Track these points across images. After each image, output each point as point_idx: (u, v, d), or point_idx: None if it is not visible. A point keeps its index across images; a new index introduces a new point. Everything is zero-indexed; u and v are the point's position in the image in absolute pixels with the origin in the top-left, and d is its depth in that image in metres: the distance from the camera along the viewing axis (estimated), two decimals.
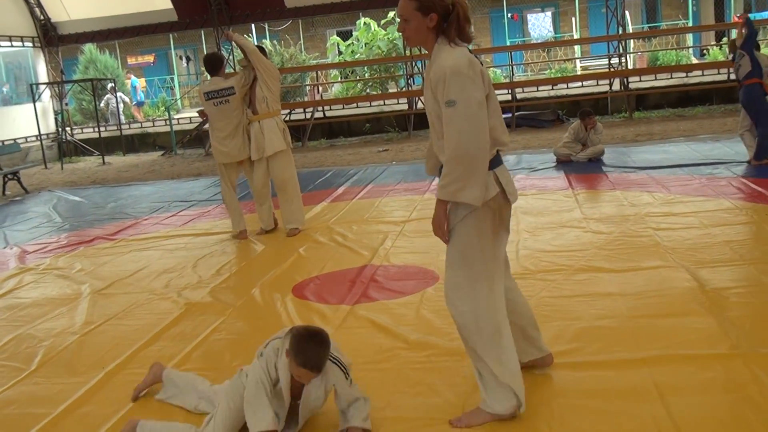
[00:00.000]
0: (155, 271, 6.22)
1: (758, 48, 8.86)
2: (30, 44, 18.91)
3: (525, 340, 3.46)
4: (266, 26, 24.40)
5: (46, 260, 7.02)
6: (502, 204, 3.10)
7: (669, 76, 17.35)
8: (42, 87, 18.43)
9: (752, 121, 8.46)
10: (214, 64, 7.20)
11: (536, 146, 12.03)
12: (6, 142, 16.15)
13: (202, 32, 23.13)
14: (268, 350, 3.09)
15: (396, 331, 4.28)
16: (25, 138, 17.49)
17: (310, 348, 2.95)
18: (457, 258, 3.08)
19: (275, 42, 22.76)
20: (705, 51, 21.07)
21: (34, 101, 17.36)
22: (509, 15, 24.69)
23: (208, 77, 7.30)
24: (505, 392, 3.08)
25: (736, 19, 22.50)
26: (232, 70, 15.71)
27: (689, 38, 22.74)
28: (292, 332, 3.03)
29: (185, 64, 28.54)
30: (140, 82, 24.46)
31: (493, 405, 3.09)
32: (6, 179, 12.40)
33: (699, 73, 17.01)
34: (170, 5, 17.88)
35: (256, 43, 7.78)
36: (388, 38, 19.64)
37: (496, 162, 3.05)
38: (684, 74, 17.22)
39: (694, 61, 19.89)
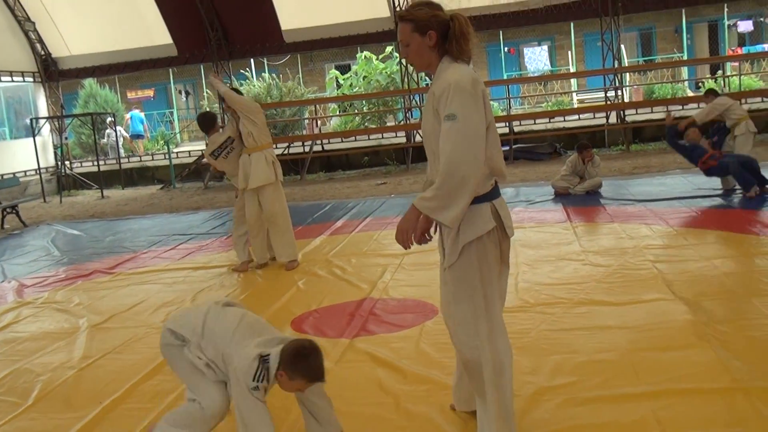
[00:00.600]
0: (154, 304, 6.20)
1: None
2: (30, 79, 19.05)
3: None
4: (265, 60, 24.58)
5: (44, 294, 7.00)
6: (501, 238, 3.05)
7: (665, 109, 17.45)
8: (42, 121, 18.53)
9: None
10: (206, 123, 7.41)
11: (534, 179, 12.06)
12: (5, 176, 16.18)
13: (202, 67, 23.28)
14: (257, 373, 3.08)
15: (395, 364, 4.26)
16: (25, 172, 17.55)
17: (311, 362, 3.03)
18: (461, 291, 3.01)
19: (274, 75, 22.89)
20: (700, 84, 21.22)
21: (33, 135, 17.44)
22: (506, 49, 24.91)
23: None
24: (506, 426, 3.03)
25: (731, 53, 22.77)
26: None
27: (684, 71, 22.93)
28: (285, 353, 3.05)
29: (184, 98, 28.70)
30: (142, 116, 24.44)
31: None
32: (5, 213, 12.40)
33: (695, 105, 17.08)
34: (170, 40, 18.05)
35: (230, 86, 7.90)
36: (387, 72, 19.79)
37: (494, 194, 3.01)
38: (680, 107, 17.31)
39: (690, 93, 20.02)
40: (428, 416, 3.55)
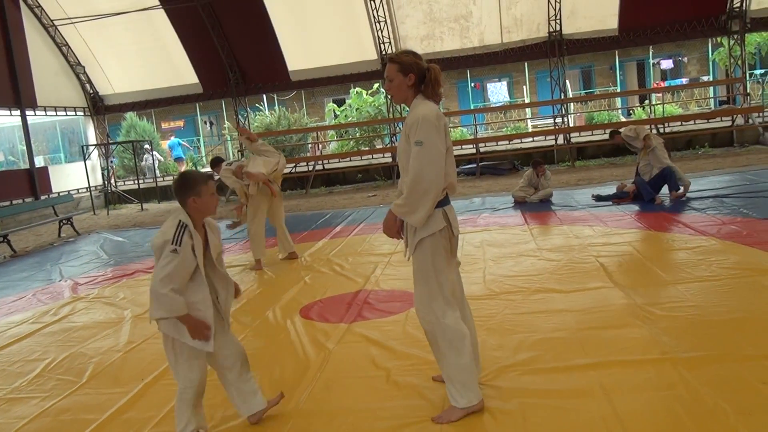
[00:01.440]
0: None
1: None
2: (81, 113, 18.93)
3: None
4: (275, 96, 24.57)
5: (94, 290, 6.95)
6: (449, 236, 3.19)
7: (603, 132, 17.54)
8: (91, 148, 18.40)
9: None
10: (213, 165, 7.67)
11: (497, 190, 12.08)
12: (61, 193, 16.07)
13: (223, 101, 23.22)
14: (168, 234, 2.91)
15: (386, 344, 4.25)
16: (77, 190, 17.42)
17: (194, 173, 3.04)
18: (419, 276, 3.15)
19: (282, 108, 22.86)
20: (631, 111, 21.33)
21: (84, 160, 17.33)
22: (472, 84, 24.99)
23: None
24: (466, 389, 3.09)
25: (655, 86, 22.94)
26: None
27: (618, 101, 23.06)
28: (177, 189, 2.98)
29: (209, 128, 28.62)
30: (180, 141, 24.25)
31: (459, 400, 3.09)
32: (61, 224, 12.32)
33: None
34: (196, 80, 18.01)
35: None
36: (375, 104, 19.83)
37: (445, 201, 3.15)
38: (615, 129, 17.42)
39: (623, 119, 20.12)
40: (414, 386, 3.54)
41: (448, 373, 3.12)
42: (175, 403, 3.11)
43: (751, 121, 15.54)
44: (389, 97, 14.92)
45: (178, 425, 3.09)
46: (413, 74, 3.09)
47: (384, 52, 16.76)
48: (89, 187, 17.21)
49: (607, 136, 16.73)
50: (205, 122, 28.07)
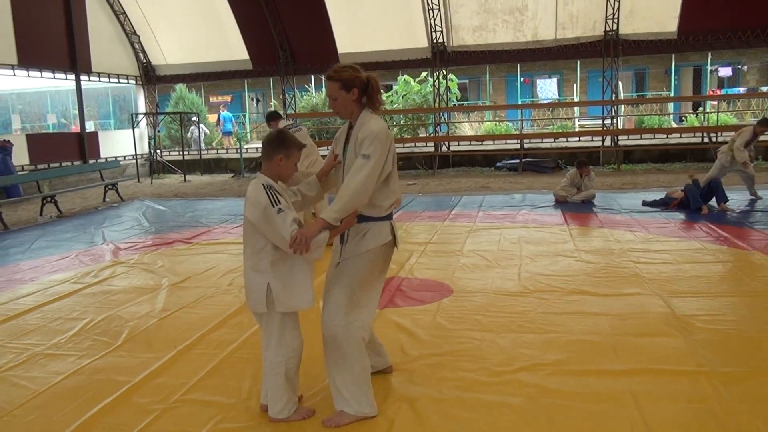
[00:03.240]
0: (222, 270, 6.27)
1: None
2: (133, 82, 19.30)
3: (377, 354, 3.52)
4: (323, 78, 24.64)
5: (134, 256, 7.11)
6: (391, 249, 3.20)
7: (652, 137, 17.18)
8: (140, 116, 18.78)
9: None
10: (271, 118, 7.76)
11: (538, 188, 11.94)
12: (108, 159, 16.45)
13: (271, 80, 23.40)
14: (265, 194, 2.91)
15: (415, 332, 4.26)
16: (124, 156, 17.80)
17: (286, 133, 3.05)
18: (344, 282, 3.09)
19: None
20: (683, 117, 20.82)
21: (133, 127, 17.69)
22: (522, 79, 24.67)
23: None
24: (364, 395, 3.09)
25: (711, 93, 22.31)
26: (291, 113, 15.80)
27: (671, 106, 22.51)
28: (272, 139, 3.00)
29: (255, 105, 28.90)
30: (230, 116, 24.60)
31: (357, 407, 3.07)
32: (107, 189, 12.62)
33: (677, 135, 16.81)
34: (247, 56, 18.16)
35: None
36: (421, 93, 19.70)
37: (391, 215, 3.17)
38: (665, 135, 17.05)
39: (674, 125, 19.67)
40: (439, 376, 3.55)
41: (340, 381, 3.09)
42: (270, 383, 3.08)
43: None
44: (438, 86, 14.65)
45: (277, 404, 3.07)
46: (356, 89, 3.06)
47: (435, 41, 16.66)
48: (136, 154, 17.57)
49: (655, 141, 16.41)
50: (252, 99, 28.35)
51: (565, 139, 17.45)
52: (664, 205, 8.89)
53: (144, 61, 19.16)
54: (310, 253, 2.89)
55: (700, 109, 21.15)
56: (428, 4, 16.05)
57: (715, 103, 19.76)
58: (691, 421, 2.97)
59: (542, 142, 17.42)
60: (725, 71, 23.59)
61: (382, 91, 3.21)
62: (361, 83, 3.08)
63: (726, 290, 5.00)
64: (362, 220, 3.08)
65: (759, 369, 3.50)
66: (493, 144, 17.39)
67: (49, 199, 10.91)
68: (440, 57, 16.94)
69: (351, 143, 3.10)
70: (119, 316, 4.90)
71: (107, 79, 18.25)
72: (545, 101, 24.01)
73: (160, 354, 4.05)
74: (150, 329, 4.59)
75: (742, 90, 22.70)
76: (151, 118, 19.38)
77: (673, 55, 21.93)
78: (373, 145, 2.97)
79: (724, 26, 15.27)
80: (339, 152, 3.24)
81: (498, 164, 15.88)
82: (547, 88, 24.70)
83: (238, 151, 18.16)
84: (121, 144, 18.26)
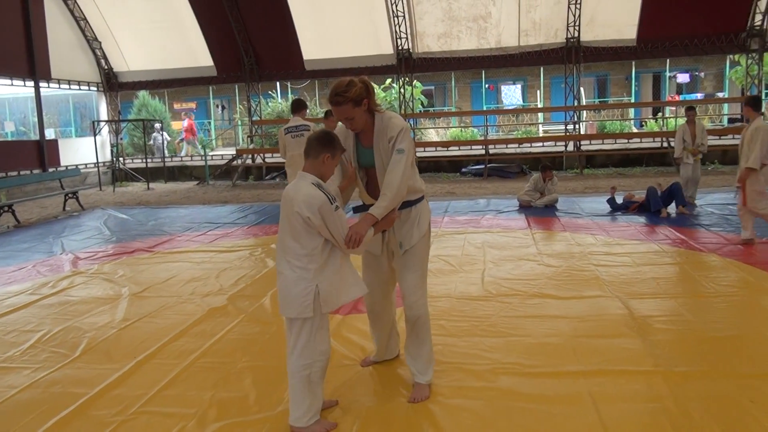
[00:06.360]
0: (184, 279, 6.19)
1: None
2: (95, 88, 19.00)
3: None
4: (288, 84, 24.57)
5: (94, 266, 6.98)
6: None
7: (613, 142, 17.50)
8: (102, 124, 18.48)
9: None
10: (297, 105, 7.64)
11: (503, 192, 12.06)
12: (69, 167, 16.14)
13: (236, 86, 23.24)
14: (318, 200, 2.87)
15: None
16: (86, 165, 17.50)
17: (331, 134, 3.05)
18: (416, 265, 3.34)
19: (296, 96, 22.85)
20: (643, 122, 21.25)
21: (94, 135, 17.39)
22: (486, 85, 24.93)
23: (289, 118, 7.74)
24: (432, 365, 3.46)
25: (670, 99, 22.83)
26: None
27: (631, 112, 22.95)
28: (320, 138, 2.99)
29: (220, 111, 28.65)
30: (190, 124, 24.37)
31: (429, 376, 3.42)
32: (67, 197, 12.37)
33: (638, 140, 17.18)
34: (211, 63, 18.03)
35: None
36: (387, 99, 19.77)
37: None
38: (626, 140, 17.39)
39: (635, 130, 20.07)
40: (396, 373, 3.56)
41: (424, 354, 3.40)
42: (296, 389, 2.98)
43: None
44: (404, 92, 14.68)
45: (297, 410, 2.98)
46: (365, 99, 3.12)
47: (400, 48, 16.74)
48: (97, 162, 17.28)
49: (617, 146, 16.73)
50: (217, 106, 28.10)
51: (529, 145, 17.69)
52: (624, 208, 9.06)
53: (106, 67, 18.88)
54: (357, 249, 2.99)
55: (660, 114, 21.62)
56: (393, 11, 16.13)
57: (674, 108, 20.22)
58: (647, 421, 3.02)
59: (507, 147, 17.63)
60: (683, 78, 24.18)
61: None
62: (365, 91, 3.12)
63: (682, 291, 5.12)
64: (408, 205, 3.30)
65: (713, 368, 3.58)
66: (459, 150, 17.53)
67: (6, 208, 10.64)
68: (405, 63, 17.03)
69: (377, 144, 3.19)
70: (77, 327, 4.80)
71: (68, 86, 17.94)
72: (510, 107, 24.28)
73: (119, 365, 3.98)
74: (109, 340, 4.50)
75: (699, 96, 23.27)
76: (113, 126, 19.08)
77: (633, 62, 22.41)
78: (405, 140, 3.13)
79: (681, 34, 15.68)
80: (350, 158, 3.30)
81: (463, 170, 16.01)
82: (511, 94, 25.00)
83: (204, 158, 17.99)
84: (82, 152, 17.95)
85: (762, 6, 15.12)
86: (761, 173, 6.54)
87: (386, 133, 3.15)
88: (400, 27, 16.40)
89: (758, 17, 15.27)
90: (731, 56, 20.44)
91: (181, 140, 23.17)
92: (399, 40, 16.66)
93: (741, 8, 15.31)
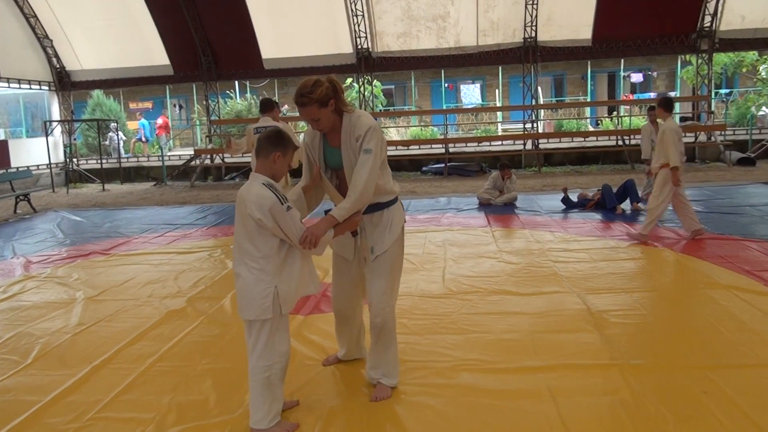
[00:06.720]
0: (141, 282, 6.07)
1: None
2: (46, 88, 18.49)
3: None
4: (247, 83, 24.34)
5: (47, 270, 6.80)
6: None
7: (570, 140, 17.82)
8: (54, 124, 18.00)
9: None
10: (266, 105, 7.53)
11: (463, 191, 12.16)
12: (20, 169, 15.68)
13: (194, 85, 22.93)
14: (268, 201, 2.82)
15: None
16: (37, 166, 17.02)
17: (280, 131, 2.98)
18: (384, 270, 3.27)
19: (255, 96, 22.67)
20: (599, 121, 21.69)
21: (46, 135, 16.94)
22: (446, 85, 25.10)
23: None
24: (397, 369, 3.44)
25: (624, 98, 23.34)
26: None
27: (587, 110, 23.42)
28: (271, 136, 2.93)
29: (178, 111, 28.21)
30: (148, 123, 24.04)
31: (395, 379, 3.40)
32: (18, 200, 12.01)
33: (594, 138, 17.52)
34: (167, 62, 17.72)
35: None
36: (347, 98, 19.71)
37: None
38: (582, 139, 17.72)
39: (591, 128, 20.46)
40: (358, 373, 3.56)
41: (390, 355, 3.37)
42: (256, 391, 2.95)
43: (713, 138, 15.93)
44: (363, 92, 14.69)
45: (257, 412, 2.95)
46: (331, 99, 3.05)
47: (360, 47, 16.73)
48: (50, 164, 16.82)
49: (573, 144, 17.03)
50: (174, 105, 27.66)
51: (488, 143, 17.87)
52: (581, 205, 9.22)
53: (58, 66, 18.39)
54: (315, 249, 2.93)
55: (615, 113, 22.09)
56: (352, 11, 16.11)
57: (628, 107, 20.69)
58: (604, 413, 3.08)
59: (467, 146, 17.78)
60: (637, 77, 24.77)
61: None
62: (331, 91, 3.04)
63: (637, 286, 5.24)
64: (380, 207, 3.24)
65: (667, 361, 3.67)
66: (419, 149, 17.61)
67: None
68: (365, 63, 17.03)
69: (345, 143, 3.11)
70: (29, 333, 4.67)
71: (17, 85, 17.42)
72: (469, 106, 24.51)
73: (74, 371, 3.88)
74: (63, 345, 4.39)
75: (652, 95, 23.87)
76: (66, 126, 18.60)
77: (589, 62, 22.86)
78: (373, 140, 3.04)
79: (634, 35, 16.04)
80: (316, 159, 3.23)
81: (424, 168, 16.08)
82: (470, 93, 25.23)
83: (161, 158, 17.68)
84: (33, 153, 17.43)
85: (711, 8, 15.58)
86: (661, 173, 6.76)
87: (354, 132, 3.08)
88: (359, 26, 16.38)
89: (707, 19, 15.72)
90: (683, 56, 21.01)
91: (138, 140, 22.77)
92: (358, 40, 16.64)
93: (691, 10, 15.75)
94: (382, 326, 3.28)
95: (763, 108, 19.81)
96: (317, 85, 3.01)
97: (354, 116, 3.12)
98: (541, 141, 17.14)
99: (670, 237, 7.01)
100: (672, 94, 24.00)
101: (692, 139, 16.08)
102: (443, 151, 16.52)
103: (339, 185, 3.27)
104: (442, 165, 15.65)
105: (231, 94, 22.29)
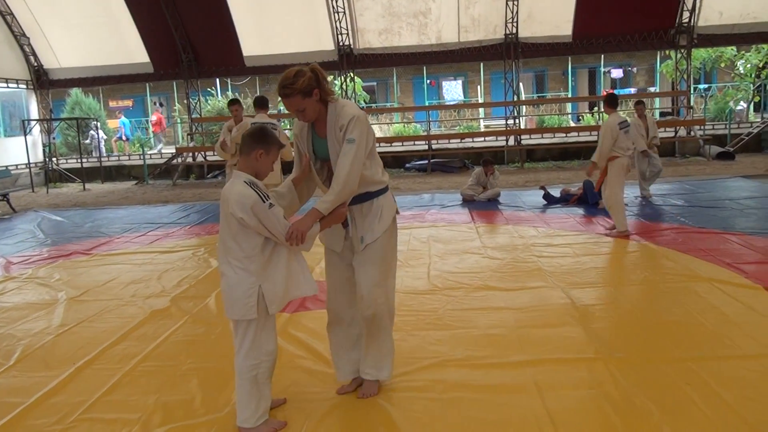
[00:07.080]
0: (124, 281, 6.02)
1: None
2: (24, 86, 18.22)
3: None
4: (228, 81, 24.17)
5: (28, 270, 6.71)
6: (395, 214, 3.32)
7: (552, 136, 17.92)
8: (33, 123, 17.75)
9: None
10: (260, 103, 7.58)
11: (447, 187, 12.19)
12: None
13: (174, 83, 22.72)
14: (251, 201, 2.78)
15: (326, 336, 4.23)
16: (16, 165, 16.77)
17: (265, 129, 2.96)
18: (377, 259, 3.16)
19: (236, 94, 22.53)
20: (580, 117, 21.83)
21: (25, 135, 16.71)
22: (428, 81, 25.12)
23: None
24: (391, 362, 3.35)
25: (605, 93, 23.51)
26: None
27: (569, 106, 23.55)
28: (254, 133, 2.91)
29: (159, 109, 27.95)
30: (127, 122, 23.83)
31: (388, 372, 3.33)
32: None
33: (575, 134, 17.63)
34: (147, 59, 17.54)
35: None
36: None
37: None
38: (564, 134, 17.82)
39: (572, 124, 20.58)
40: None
41: (382, 349, 3.28)
42: (239, 389, 2.94)
43: (692, 133, 16.11)
44: (345, 89, 14.60)
45: (244, 411, 2.93)
46: (315, 89, 2.99)
47: (342, 44, 16.68)
48: (29, 163, 16.60)
49: (555, 140, 17.13)
50: (155, 103, 27.40)
51: (471, 140, 17.92)
52: (564, 201, 9.29)
53: (35, 64, 18.13)
54: (302, 245, 2.88)
55: (596, 108, 22.25)
56: (333, 7, 16.05)
57: None
58: (589, 406, 3.11)
59: (449, 142, 17.81)
60: (617, 73, 24.97)
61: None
62: (314, 80, 2.97)
63: (620, 280, 5.29)
64: (370, 197, 3.15)
65: (650, 354, 3.71)
66: (402, 145, 17.61)
67: None
68: (347, 59, 16.98)
69: (330, 134, 3.05)
70: (11, 335, 4.61)
71: None
72: (451, 102, 24.55)
73: (57, 372, 3.84)
74: (46, 346, 4.34)
75: (632, 90, 24.08)
76: (45, 125, 18.35)
77: (570, 58, 22.99)
78: (356, 129, 2.97)
79: (614, 31, 16.16)
80: (305, 150, 3.17)
81: (407, 165, 16.09)
82: (452, 90, 25.27)
83: (142, 157, 17.52)
84: (11, 152, 17.19)
85: (689, 4, 15.74)
86: (616, 163, 6.90)
87: (338, 122, 3.02)
88: (340, 23, 16.33)
89: (686, 14, 15.88)
90: (662, 52, 21.21)
91: (119, 138, 22.55)
92: (340, 36, 16.60)
93: (670, 6, 15.89)
94: (372, 319, 3.15)
95: (741, 103, 20.06)
96: (299, 75, 2.95)
97: (338, 105, 3.05)
98: (523, 137, 17.21)
99: (651, 230, 7.08)
100: (651, 89, 24.21)
101: (672, 134, 16.25)
102: (426, 147, 16.54)
103: (327, 178, 3.19)
104: (426, 161, 15.67)
105: (212, 92, 22.12)
